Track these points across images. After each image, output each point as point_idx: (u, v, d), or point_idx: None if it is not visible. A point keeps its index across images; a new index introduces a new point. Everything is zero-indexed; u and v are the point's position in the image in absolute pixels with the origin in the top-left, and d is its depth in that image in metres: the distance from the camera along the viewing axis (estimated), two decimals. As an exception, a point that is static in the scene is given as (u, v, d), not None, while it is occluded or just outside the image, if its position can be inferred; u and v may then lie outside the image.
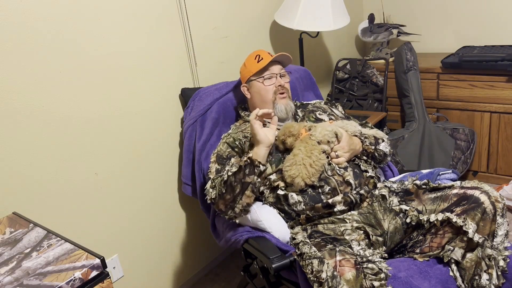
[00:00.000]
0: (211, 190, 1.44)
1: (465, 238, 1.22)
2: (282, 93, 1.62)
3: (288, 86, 1.66)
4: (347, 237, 1.29)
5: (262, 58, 1.63)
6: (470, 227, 1.21)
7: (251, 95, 1.68)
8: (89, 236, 1.61)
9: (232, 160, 1.48)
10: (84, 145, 1.55)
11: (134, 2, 1.65)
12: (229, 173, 1.36)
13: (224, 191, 1.38)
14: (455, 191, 1.34)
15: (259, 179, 1.39)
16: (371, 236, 1.32)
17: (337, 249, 1.17)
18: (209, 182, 1.47)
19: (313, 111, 1.70)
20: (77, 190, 1.55)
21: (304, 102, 1.80)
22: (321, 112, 1.69)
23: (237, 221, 1.49)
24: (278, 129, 1.52)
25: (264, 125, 1.45)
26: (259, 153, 1.38)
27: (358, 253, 1.18)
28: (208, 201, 1.46)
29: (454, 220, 1.24)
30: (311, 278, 1.14)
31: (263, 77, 1.62)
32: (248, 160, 1.35)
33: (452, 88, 2.58)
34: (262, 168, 1.37)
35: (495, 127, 2.51)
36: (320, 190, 1.41)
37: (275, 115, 1.46)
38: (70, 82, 1.49)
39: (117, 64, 1.62)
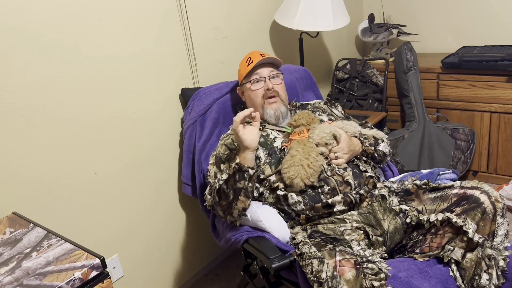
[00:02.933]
0: (208, 196, 1.44)
1: (465, 238, 1.22)
2: (272, 97, 1.59)
3: (280, 88, 1.61)
4: (347, 237, 1.29)
5: (252, 61, 1.60)
6: (470, 227, 1.21)
7: (244, 98, 1.68)
8: (89, 236, 1.61)
9: (223, 166, 1.47)
10: (84, 145, 1.55)
11: (135, 2, 1.65)
12: (220, 182, 1.36)
13: (218, 199, 1.38)
14: (455, 191, 1.34)
15: (250, 184, 1.39)
16: (371, 236, 1.32)
17: (337, 249, 1.17)
18: (208, 187, 1.48)
19: (312, 112, 1.69)
20: (77, 190, 1.55)
21: (304, 103, 1.80)
22: (320, 113, 1.69)
23: (238, 224, 1.49)
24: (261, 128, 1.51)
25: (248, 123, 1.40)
26: (247, 157, 1.36)
27: (358, 253, 1.18)
28: (208, 207, 1.47)
29: (454, 220, 1.24)
30: (311, 278, 1.14)
31: (250, 81, 1.61)
32: (237, 166, 1.33)
33: (452, 88, 2.58)
34: (251, 172, 1.36)
35: (495, 127, 2.51)
36: (319, 190, 1.41)
37: (255, 111, 1.39)
38: (70, 82, 1.49)
39: (117, 64, 1.62)
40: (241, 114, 1.33)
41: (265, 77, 1.60)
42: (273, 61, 1.64)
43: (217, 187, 1.37)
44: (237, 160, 1.34)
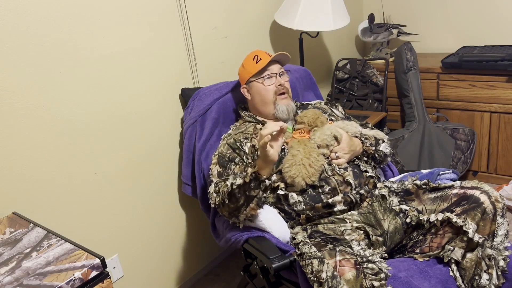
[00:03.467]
0: (214, 194, 1.42)
1: (465, 238, 1.22)
2: (283, 93, 1.61)
3: (288, 85, 1.65)
4: (347, 237, 1.29)
5: (260, 59, 1.62)
6: (470, 227, 1.21)
7: (251, 96, 1.68)
8: (89, 236, 1.61)
9: (236, 169, 1.46)
10: (84, 145, 1.55)
11: (135, 2, 1.65)
12: (234, 186, 1.31)
13: (227, 201, 1.36)
14: (455, 191, 1.34)
15: (264, 194, 1.37)
16: (371, 236, 1.33)
17: (337, 249, 1.17)
18: (212, 185, 1.46)
19: (313, 112, 1.69)
20: (77, 190, 1.55)
21: (304, 103, 1.80)
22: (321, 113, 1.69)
23: (240, 226, 1.48)
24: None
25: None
26: (267, 169, 1.32)
27: (358, 253, 1.18)
28: (212, 205, 1.45)
29: (454, 220, 1.24)
30: (311, 278, 1.14)
31: (263, 77, 1.62)
32: (253, 175, 1.29)
33: (452, 88, 2.58)
34: (267, 183, 1.33)
35: (495, 127, 2.51)
36: (320, 190, 1.41)
37: (282, 125, 1.28)
38: (70, 82, 1.49)
39: (117, 64, 1.62)
40: (269, 129, 1.23)
41: (276, 73, 1.62)
42: (280, 58, 1.65)
43: (229, 189, 1.33)
44: (255, 169, 1.30)
